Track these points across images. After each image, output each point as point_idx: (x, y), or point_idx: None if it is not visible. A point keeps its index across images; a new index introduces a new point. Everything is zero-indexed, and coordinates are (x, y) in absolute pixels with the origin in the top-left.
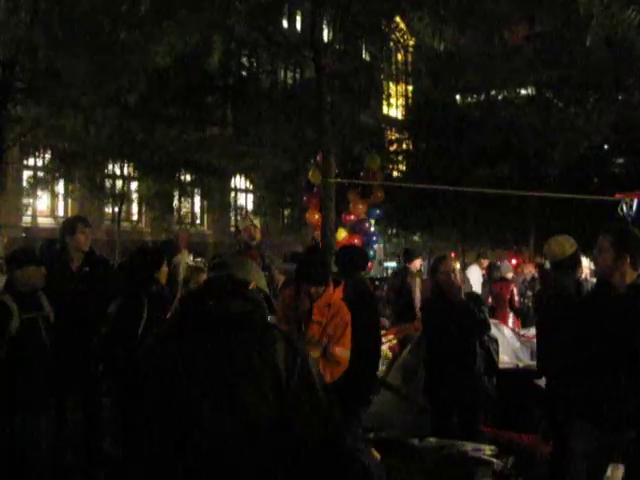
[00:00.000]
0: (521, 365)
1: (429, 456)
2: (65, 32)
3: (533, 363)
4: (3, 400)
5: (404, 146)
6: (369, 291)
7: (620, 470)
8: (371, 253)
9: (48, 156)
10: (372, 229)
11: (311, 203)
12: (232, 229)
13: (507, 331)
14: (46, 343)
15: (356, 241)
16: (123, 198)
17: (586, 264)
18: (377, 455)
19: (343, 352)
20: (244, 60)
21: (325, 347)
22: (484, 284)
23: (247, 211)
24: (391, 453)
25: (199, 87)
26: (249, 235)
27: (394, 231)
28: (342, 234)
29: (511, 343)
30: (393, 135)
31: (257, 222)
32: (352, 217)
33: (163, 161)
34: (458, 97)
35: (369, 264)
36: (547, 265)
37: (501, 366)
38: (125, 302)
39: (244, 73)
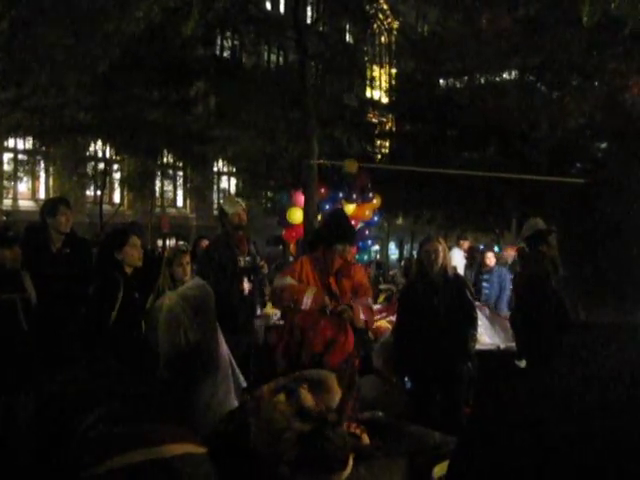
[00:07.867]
0: (502, 346)
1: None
2: (43, 6)
3: (514, 344)
4: None
5: (387, 128)
6: None
7: None
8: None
9: (28, 137)
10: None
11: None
12: (215, 212)
13: (488, 312)
14: (23, 325)
15: (367, 212)
16: (105, 180)
17: None
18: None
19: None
20: (226, 41)
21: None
22: (466, 266)
23: (230, 193)
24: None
25: (180, 66)
26: (239, 219)
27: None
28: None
29: (492, 324)
30: (376, 118)
31: (244, 205)
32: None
33: (144, 141)
34: (441, 80)
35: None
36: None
37: (482, 347)
38: (101, 284)
39: (225, 54)
